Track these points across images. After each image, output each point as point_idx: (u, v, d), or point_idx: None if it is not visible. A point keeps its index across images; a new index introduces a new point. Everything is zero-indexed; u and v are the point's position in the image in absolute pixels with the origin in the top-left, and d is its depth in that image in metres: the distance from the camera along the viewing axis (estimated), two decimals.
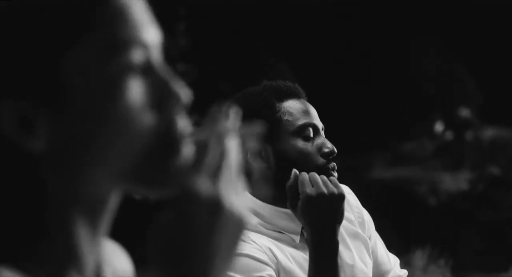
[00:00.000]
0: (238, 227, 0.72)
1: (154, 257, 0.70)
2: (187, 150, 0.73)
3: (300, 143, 1.76)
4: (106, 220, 0.75)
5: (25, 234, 0.70)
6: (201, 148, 0.73)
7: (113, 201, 0.75)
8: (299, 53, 11.65)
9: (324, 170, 1.74)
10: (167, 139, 0.72)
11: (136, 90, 0.71)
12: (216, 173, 0.72)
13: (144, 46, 0.72)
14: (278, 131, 1.76)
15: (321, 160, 1.75)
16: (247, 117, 1.76)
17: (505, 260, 8.25)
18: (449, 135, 12.52)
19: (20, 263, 0.68)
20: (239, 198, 0.73)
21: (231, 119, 0.75)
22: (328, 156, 1.76)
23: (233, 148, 0.74)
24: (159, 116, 0.72)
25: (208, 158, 0.72)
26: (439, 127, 12.59)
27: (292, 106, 1.78)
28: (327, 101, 7.18)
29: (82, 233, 0.72)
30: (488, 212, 10.51)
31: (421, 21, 12.27)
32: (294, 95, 1.81)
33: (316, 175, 1.71)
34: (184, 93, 0.73)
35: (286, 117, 1.77)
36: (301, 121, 1.77)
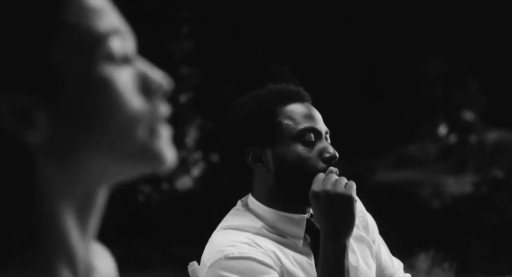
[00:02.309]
0: None
1: None
2: (167, 132, 0.76)
3: (300, 148, 1.74)
4: (95, 218, 0.76)
5: (17, 229, 0.70)
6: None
7: (101, 198, 0.76)
8: (304, 57, 11.65)
9: None
10: (152, 122, 0.75)
11: (123, 78, 0.73)
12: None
13: (121, 37, 0.75)
14: (278, 135, 1.74)
15: (322, 165, 1.73)
16: (249, 121, 1.77)
17: (509, 263, 8.24)
18: (452, 138, 12.52)
19: (10, 262, 0.68)
20: None
21: None
22: (329, 161, 1.74)
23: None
24: (145, 101, 0.75)
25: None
26: (442, 130, 12.59)
27: (294, 110, 1.77)
28: (330, 104, 7.17)
29: (73, 230, 0.73)
30: (491, 215, 10.50)
31: (426, 25, 12.26)
32: (297, 99, 1.79)
33: (334, 175, 1.70)
34: (165, 81, 0.76)
35: (286, 121, 1.75)
36: (302, 126, 1.75)
